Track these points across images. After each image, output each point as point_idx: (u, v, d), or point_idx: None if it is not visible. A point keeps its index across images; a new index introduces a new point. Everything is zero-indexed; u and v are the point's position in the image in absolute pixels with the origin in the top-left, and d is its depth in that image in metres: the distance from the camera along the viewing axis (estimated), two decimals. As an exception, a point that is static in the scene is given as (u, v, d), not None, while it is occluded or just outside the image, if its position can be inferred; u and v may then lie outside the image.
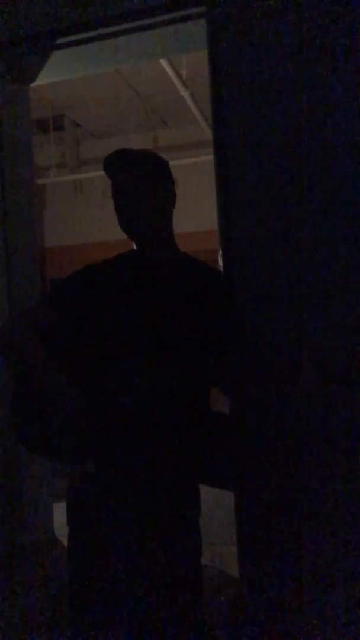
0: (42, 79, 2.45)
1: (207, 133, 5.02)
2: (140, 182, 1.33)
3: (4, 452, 2.27)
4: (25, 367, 1.29)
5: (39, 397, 1.26)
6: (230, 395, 1.68)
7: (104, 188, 6.27)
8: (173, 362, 1.25)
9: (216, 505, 2.11)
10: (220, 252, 1.86)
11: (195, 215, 5.04)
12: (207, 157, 2.18)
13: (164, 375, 1.23)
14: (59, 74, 2.51)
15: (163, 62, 3.84)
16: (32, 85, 2.49)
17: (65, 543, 1.37)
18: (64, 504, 1.36)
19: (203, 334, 1.34)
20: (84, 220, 6.49)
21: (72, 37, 2.12)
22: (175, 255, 1.43)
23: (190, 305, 1.35)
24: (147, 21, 2.01)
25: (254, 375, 1.71)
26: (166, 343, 1.28)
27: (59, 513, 2.44)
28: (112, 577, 1.28)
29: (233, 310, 1.47)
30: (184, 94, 4.48)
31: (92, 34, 2.09)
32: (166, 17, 1.99)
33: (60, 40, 2.14)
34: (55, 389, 1.22)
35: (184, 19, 1.99)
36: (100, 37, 2.10)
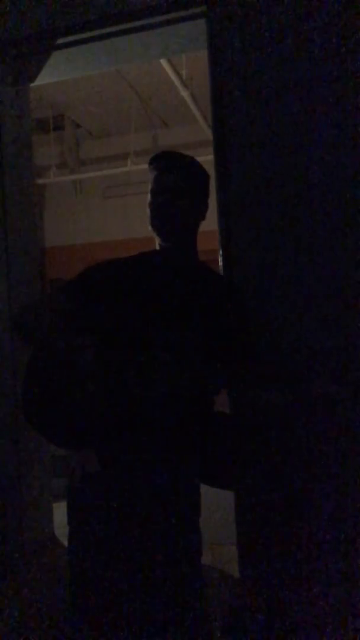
0: (42, 79, 2.45)
1: (207, 133, 5.02)
2: (184, 186, 1.38)
3: (4, 452, 2.27)
4: (41, 348, 1.29)
5: (54, 377, 1.25)
6: (239, 399, 1.69)
7: (104, 188, 6.29)
8: (186, 361, 1.26)
9: (216, 505, 2.11)
10: (220, 252, 1.86)
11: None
12: (207, 157, 2.18)
13: (177, 372, 1.23)
14: (59, 74, 2.50)
15: (163, 62, 3.83)
16: (32, 85, 2.49)
17: (65, 543, 1.37)
18: (64, 504, 1.36)
19: (215, 339, 1.36)
20: (84, 220, 6.49)
21: (72, 37, 2.12)
22: (196, 263, 1.46)
23: (206, 311, 1.37)
24: (147, 21, 2.01)
25: (254, 375, 1.71)
26: (180, 343, 1.29)
27: (59, 513, 2.43)
28: (112, 577, 1.28)
29: (246, 320, 1.49)
30: (184, 94, 4.47)
31: (92, 34, 2.09)
32: (166, 17, 1.99)
33: (60, 40, 2.14)
34: (74, 373, 1.22)
35: (184, 19, 1.99)
36: (100, 37, 2.10)
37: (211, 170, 1.90)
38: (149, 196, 1.41)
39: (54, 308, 1.34)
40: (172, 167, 1.40)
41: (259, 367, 1.37)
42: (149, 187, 1.42)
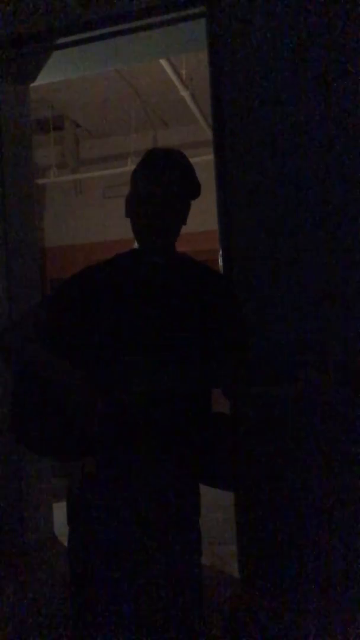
0: (42, 79, 2.45)
1: (207, 133, 5.02)
2: (167, 188, 1.30)
3: (4, 452, 2.27)
4: (26, 367, 1.29)
5: (42, 395, 1.26)
6: (232, 397, 1.68)
7: (104, 188, 6.28)
8: (173, 362, 1.25)
9: (216, 505, 2.11)
10: (220, 252, 1.86)
11: (195, 215, 5.04)
12: (207, 157, 2.18)
13: (163, 375, 1.23)
14: (59, 74, 2.51)
15: (163, 62, 3.83)
16: (32, 85, 2.49)
17: (65, 543, 1.37)
18: (64, 504, 1.36)
19: (203, 334, 1.34)
20: (84, 220, 6.49)
21: (72, 37, 2.12)
22: (175, 256, 1.42)
23: (190, 305, 1.35)
24: (147, 21, 2.01)
25: (254, 375, 1.71)
26: (167, 343, 1.28)
27: (59, 513, 2.43)
28: (112, 577, 1.28)
29: (236, 311, 1.46)
30: (184, 94, 4.47)
31: (92, 34, 2.09)
32: (166, 17, 1.99)
33: (60, 40, 2.14)
34: (62, 386, 1.22)
35: (184, 19, 1.99)
36: (100, 37, 2.10)
37: (211, 170, 1.91)
38: (133, 197, 1.34)
39: (35, 326, 1.32)
40: (167, 171, 1.31)
41: (252, 363, 1.35)
42: (135, 187, 1.33)
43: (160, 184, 1.31)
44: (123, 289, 1.35)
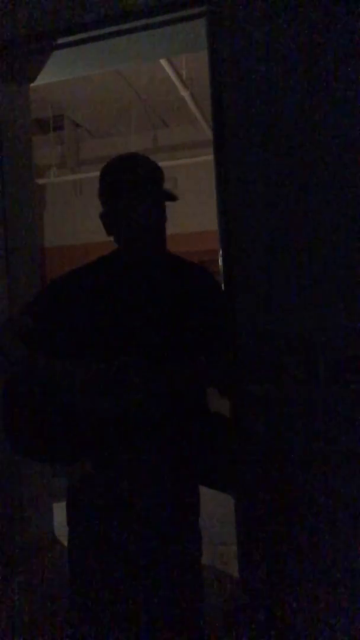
0: (42, 79, 2.45)
1: (207, 133, 5.02)
2: (135, 190, 1.29)
3: (3, 452, 2.27)
4: (14, 372, 1.28)
5: (34, 399, 1.25)
6: (228, 396, 1.68)
7: (104, 188, 6.29)
8: (163, 362, 1.25)
9: (216, 505, 2.11)
10: (220, 252, 1.86)
11: (195, 215, 5.05)
12: (207, 157, 2.18)
13: (153, 376, 1.22)
14: (59, 74, 2.51)
15: (163, 62, 3.84)
16: (32, 85, 2.49)
17: (65, 543, 1.37)
18: (64, 504, 1.36)
19: (191, 332, 1.33)
20: (84, 220, 6.49)
21: (72, 37, 2.12)
22: (159, 254, 1.40)
23: (176, 303, 1.34)
24: (147, 21, 2.01)
25: (254, 375, 1.71)
26: (155, 343, 1.28)
27: (59, 513, 2.44)
28: (112, 577, 1.28)
29: (222, 307, 1.46)
30: (184, 94, 4.47)
31: (92, 34, 2.09)
32: (166, 17, 1.99)
33: (60, 40, 2.14)
34: (50, 391, 1.22)
35: (184, 19, 1.99)
36: (100, 37, 2.10)
37: (211, 170, 1.91)
38: (111, 214, 1.32)
39: (20, 330, 1.31)
40: (119, 173, 1.30)
41: (244, 362, 1.35)
42: (112, 202, 1.32)
43: (139, 188, 1.30)
44: (106, 290, 1.34)
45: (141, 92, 5.15)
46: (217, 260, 1.88)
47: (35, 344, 1.28)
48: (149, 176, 1.32)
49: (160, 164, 1.40)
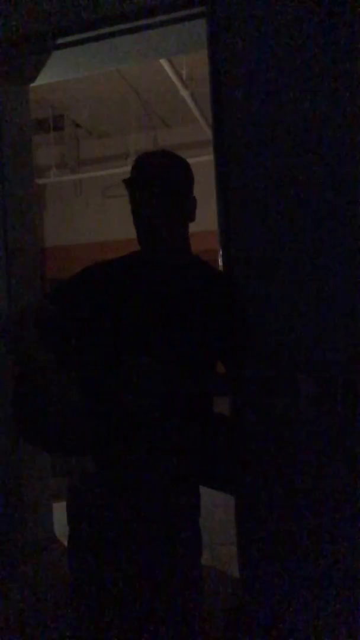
0: (42, 79, 2.45)
1: (207, 133, 5.03)
2: (162, 196, 1.31)
3: (4, 452, 2.27)
4: (26, 363, 1.29)
5: (41, 393, 1.26)
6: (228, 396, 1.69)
7: (104, 188, 6.29)
8: (175, 363, 1.25)
9: (216, 505, 2.11)
10: (220, 252, 1.86)
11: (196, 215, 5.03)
12: (207, 157, 2.18)
13: (165, 376, 1.23)
14: (59, 74, 2.50)
15: (163, 62, 3.84)
16: (32, 85, 2.49)
17: (65, 543, 1.37)
18: (64, 504, 1.36)
19: (207, 337, 1.34)
20: (84, 220, 6.50)
21: (72, 37, 2.12)
22: (181, 258, 1.42)
23: (193, 308, 1.35)
24: (147, 21, 2.01)
25: (253, 386, 1.71)
26: (168, 344, 1.28)
27: (59, 513, 2.43)
28: (112, 577, 1.29)
29: (239, 315, 1.46)
30: (184, 94, 4.48)
31: (92, 34, 2.09)
32: (166, 17, 1.99)
33: (60, 40, 2.14)
34: (58, 386, 1.22)
35: (184, 19, 1.99)
36: (100, 37, 2.10)
37: (211, 170, 1.91)
38: (131, 207, 1.34)
39: (31, 324, 1.31)
40: (149, 177, 1.32)
41: (251, 371, 1.35)
42: (130, 197, 1.34)
43: (147, 190, 1.31)
44: (125, 289, 1.35)
45: (141, 92, 5.15)
46: (217, 260, 1.88)
47: (51, 331, 1.28)
48: (158, 175, 1.32)
49: (160, 163, 1.40)
